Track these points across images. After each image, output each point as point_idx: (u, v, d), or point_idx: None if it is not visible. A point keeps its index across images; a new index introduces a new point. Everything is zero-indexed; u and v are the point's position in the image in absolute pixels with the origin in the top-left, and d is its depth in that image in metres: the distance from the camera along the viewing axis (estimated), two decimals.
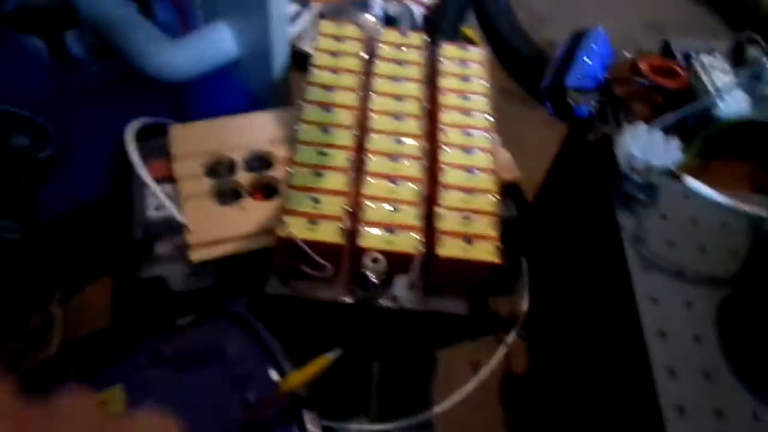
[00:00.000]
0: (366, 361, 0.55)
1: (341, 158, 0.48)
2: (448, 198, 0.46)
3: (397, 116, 0.51)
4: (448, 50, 0.58)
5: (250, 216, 0.49)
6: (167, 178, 0.52)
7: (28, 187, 0.58)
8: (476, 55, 0.58)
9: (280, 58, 0.64)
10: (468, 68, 0.56)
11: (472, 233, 0.44)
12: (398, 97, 0.52)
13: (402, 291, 0.42)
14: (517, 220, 0.54)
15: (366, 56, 0.55)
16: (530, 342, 0.62)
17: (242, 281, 0.48)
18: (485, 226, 0.45)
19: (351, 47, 0.56)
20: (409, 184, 0.47)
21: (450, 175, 0.48)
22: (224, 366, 0.42)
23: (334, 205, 0.45)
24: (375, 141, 0.49)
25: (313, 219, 0.44)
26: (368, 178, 0.47)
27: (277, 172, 0.52)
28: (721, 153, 0.50)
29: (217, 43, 0.69)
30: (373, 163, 0.48)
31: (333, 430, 0.52)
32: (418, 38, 0.58)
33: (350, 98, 0.52)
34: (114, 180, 0.56)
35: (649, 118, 0.51)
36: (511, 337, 0.62)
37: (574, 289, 0.56)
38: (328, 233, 0.43)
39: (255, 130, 0.55)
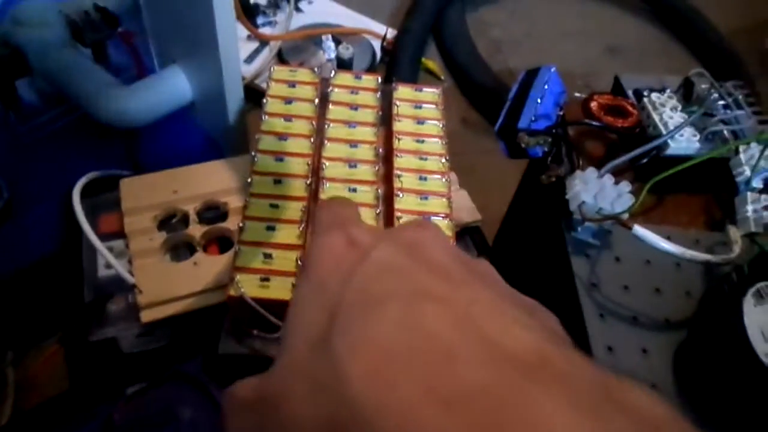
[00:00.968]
0: None
1: (294, 209, 0.47)
2: None
3: (351, 163, 0.50)
4: (403, 92, 0.57)
5: (203, 271, 0.48)
6: (120, 233, 0.51)
7: None
8: (431, 95, 0.58)
9: (234, 98, 0.64)
10: (423, 110, 0.56)
11: None
12: (352, 143, 0.52)
13: None
14: None
15: (318, 101, 0.55)
16: None
17: (196, 340, 0.47)
18: None
19: (304, 92, 0.55)
20: None
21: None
22: (178, 431, 0.40)
23: (287, 260, 0.44)
24: (329, 189, 0.48)
25: (265, 275, 0.43)
26: None
27: (232, 224, 0.51)
28: (675, 188, 0.51)
29: (172, 87, 0.68)
30: None
31: None
32: (372, 80, 0.58)
33: (303, 146, 0.51)
34: (65, 235, 0.54)
35: (602, 157, 0.51)
36: None
37: None
38: (281, 290, 0.42)
39: (208, 180, 0.54)
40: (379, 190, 0.49)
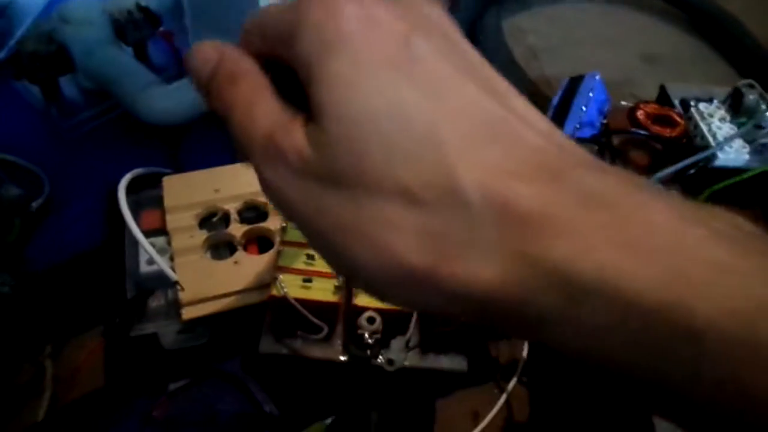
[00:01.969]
0: (363, 416, 0.54)
1: None
2: None
3: None
4: None
5: (244, 270, 0.48)
6: (160, 230, 0.51)
7: (19, 238, 0.57)
8: None
9: None
10: None
11: None
12: None
13: (399, 354, 0.41)
14: None
15: None
16: (531, 388, 0.61)
17: (236, 338, 0.47)
18: None
19: None
20: None
21: None
22: (218, 429, 0.41)
23: None
24: None
25: (307, 276, 0.43)
26: None
27: (272, 224, 0.51)
28: (723, 201, 0.50)
29: None
30: None
31: None
32: None
33: None
34: (107, 229, 0.55)
35: (647, 166, 0.51)
36: (512, 384, 0.60)
37: None
38: (323, 292, 0.42)
39: (249, 180, 0.53)
40: None
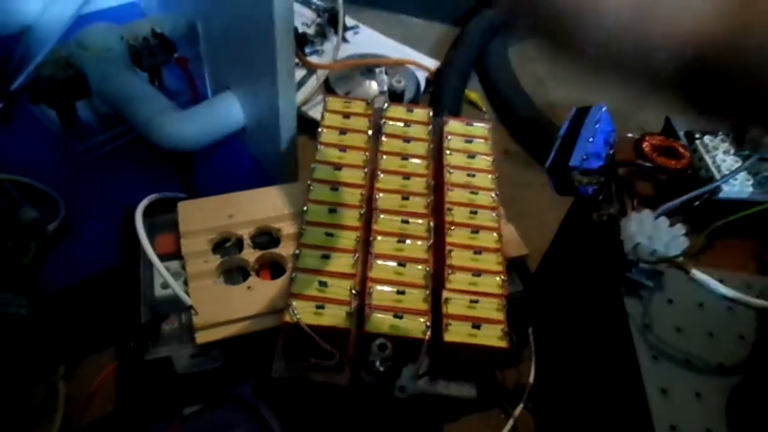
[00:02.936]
0: None
1: (348, 239, 0.48)
2: (455, 280, 0.47)
3: (403, 195, 0.51)
4: (454, 126, 0.59)
5: (256, 296, 0.49)
6: (174, 254, 0.52)
7: (35, 261, 0.58)
8: (481, 130, 0.58)
9: (287, 126, 0.65)
10: (473, 144, 0.57)
11: (479, 317, 0.45)
12: (405, 175, 0.53)
13: (410, 381, 0.41)
14: (524, 296, 0.54)
15: (372, 132, 0.56)
16: (538, 415, 0.62)
17: (249, 362, 0.48)
18: (493, 310, 0.45)
19: (358, 123, 0.57)
20: (416, 266, 0.47)
21: (457, 257, 0.48)
22: None
23: (341, 289, 0.45)
24: (382, 221, 0.49)
25: (320, 303, 0.44)
26: (375, 260, 0.47)
27: (284, 250, 0.52)
28: (727, 231, 0.51)
29: (226, 112, 0.70)
30: (380, 243, 0.48)
31: None
32: (423, 114, 0.59)
33: (357, 176, 0.53)
34: (122, 252, 0.56)
35: (653, 197, 0.51)
36: (519, 410, 0.61)
37: (581, 363, 0.56)
38: (335, 318, 0.43)
39: (262, 206, 0.55)
40: (431, 223, 0.50)
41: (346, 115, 0.57)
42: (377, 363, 0.42)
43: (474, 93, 0.96)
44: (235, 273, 0.52)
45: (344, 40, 0.96)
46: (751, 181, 0.50)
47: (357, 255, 0.47)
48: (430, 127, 0.58)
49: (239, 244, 0.53)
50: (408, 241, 0.48)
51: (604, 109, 0.56)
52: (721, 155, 0.51)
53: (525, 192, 0.83)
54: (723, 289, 0.40)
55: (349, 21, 1.00)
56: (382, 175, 0.53)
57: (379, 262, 0.47)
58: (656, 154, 0.51)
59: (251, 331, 0.47)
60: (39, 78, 0.68)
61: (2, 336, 0.54)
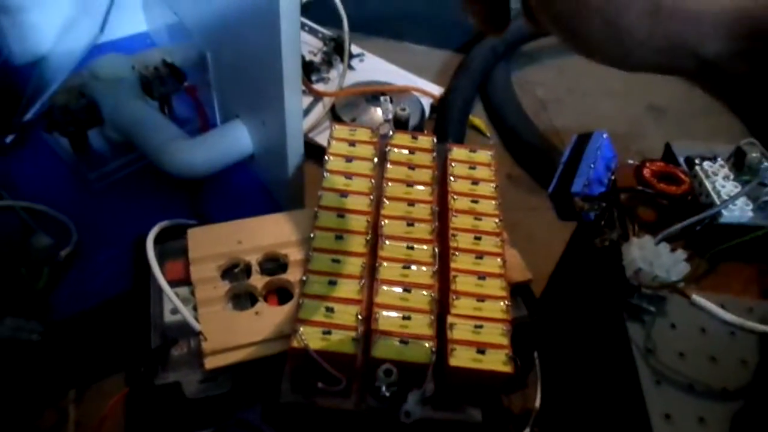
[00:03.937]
0: None
1: (354, 265, 0.49)
2: (460, 305, 0.47)
3: (408, 221, 0.52)
4: (458, 153, 0.60)
5: (265, 321, 0.50)
6: (183, 280, 0.53)
7: (47, 286, 0.60)
8: (485, 157, 0.60)
9: (294, 153, 0.67)
10: (477, 171, 0.58)
11: (484, 342, 0.45)
12: (410, 202, 0.54)
13: (416, 406, 0.42)
14: (528, 320, 0.54)
15: (377, 159, 0.57)
16: None
17: (257, 388, 0.48)
18: (497, 335, 0.46)
19: (364, 151, 0.58)
20: (422, 291, 0.48)
21: (461, 282, 0.49)
22: None
23: (347, 315, 0.46)
24: (388, 247, 0.50)
25: (327, 329, 0.45)
26: (381, 286, 0.48)
27: (292, 276, 0.53)
28: (728, 256, 0.51)
29: (234, 140, 0.71)
30: (386, 269, 0.49)
31: None
32: (428, 141, 0.60)
33: (363, 203, 0.54)
34: (132, 278, 0.57)
35: (654, 223, 0.52)
36: None
37: (586, 388, 0.56)
38: (342, 343, 0.44)
39: (270, 232, 0.56)
40: (435, 249, 0.51)
41: (352, 143, 0.59)
42: (383, 388, 0.42)
43: (478, 119, 0.97)
44: (243, 299, 0.53)
45: (350, 67, 0.98)
46: (751, 206, 0.51)
47: (363, 281, 0.48)
48: (434, 154, 0.59)
49: (247, 270, 0.54)
50: (413, 267, 0.49)
51: (605, 135, 0.57)
52: (721, 180, 0.52)
53: (529, 217, 0.84)
54: (724, 315, 0.40)
55: (355, 49, 1.03)
56: (387, 202, 0.54)
57: (385, 287, 0.48)
58: (657, 179, 0.52)
59: (259, 356, 0.48)
60: (53, 107, 0.70)
61: (14, 361, 0.55)
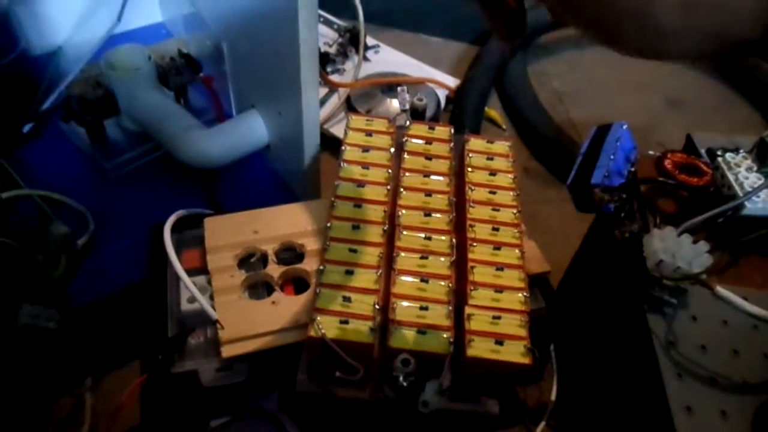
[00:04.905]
0: None
1: (371, 255, 0.49)
2: (478, 296, 0.47)
3: (426, 211, 0.52)
4: (475, 144, 0.59)
5: (281, 310, 0.50)
6: (200, 269, 0.53)
7: (65, 275, 0.60)
8: (502, 148, 0.59)
9: (311, 143, 0.66)
10: (494, 162, 0.57)
11: (501, 333, 0.45)
12: (427, 192, 0.54)
13: (433, 396, 0.42)
14: (546, 312, 0.54)
15: (394, 150, 0.57)
16: None
17: (273, 376, 0.48)
18: (515, 326, 0.45)
19: (381, 141, 0.58)
20: (439, 281, 0.47)
21: (479, 273, 0.48)
22: None
23: (365, 304, 0.45)
24: (405, 237, 0.50)
25: (344, 318, 0.44)
26: (398, 276, 0.47)
27: (308, 265, 0.53)
28: (750, 249, 0.50)
29: (250, 130, 0.71)
30: (403, 260, 0.48)
31: None
32: (445, 131, 0.60)
33: (380, 193, 0.53)
34: (149, 267, 0.57)
35: (675, 215, 0.52)
36: (541, 428, 0.61)
37: (604, 381, 0.55)
38: (359, 333, 0.44)
39: (287, 222, 0.56)
40: (453, 239, 0.50)
41: (369, 133, 0.58)
42: (400, 378, 0.42)
43: (494, 111, 0.96)
44: (260, 288, 0.53)
45: (365, 59, 0.97)
46: None
47: (380, 271, 0.48)
48: (452, 144, 0.59)
49: (264, 259, 0.54)
50: (430, 258, 0.49)
51: (625, 126, 0.56)
52: (743, 172, 0.51)
53: (546, 209, 0.83)
54: (748, 307, 0.40)
55: (370, 40, 1.02)
56: (404, 192, 0.53)
57: (402, 278, 0.47)
58: (678, 171, 0.52)
59: (276, 345, 0.48)
60: (69, 97, 0.70)
61: (31, 348, 0.55)
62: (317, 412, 0.46)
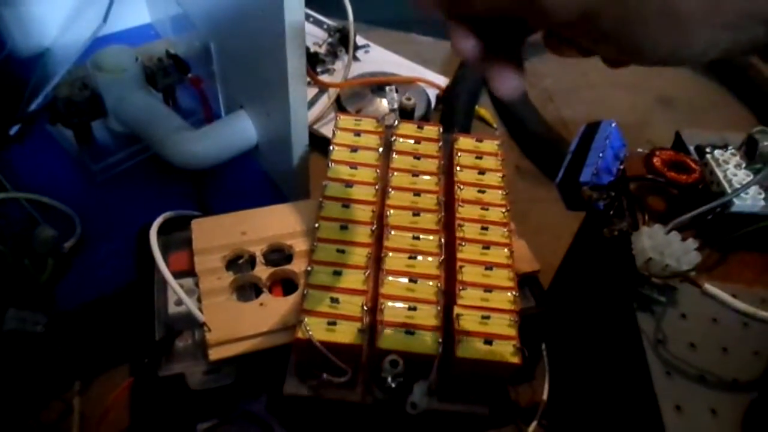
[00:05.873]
0: None
1: (360, 255, 0.48)
2: (467, 296, 0.47)
3: (414, 211, 0.52)
4: (464, 143, 0.59)
5: (269, 312, 0.49)
6: (187, 271, 0.53)
7: (51, 278, 0.59)
8: (491, 147, 0.59)
9: (299, 144, 0.66)
10: (483, 161, 0.57)
11: (491, 333, 0.44)
12: (415, 192, 0.53)
13: (422, 397, 0.41)
14: (536, 311, 0.54)
15: (382, 149, 0.57)
16: None
17: (261, 379, 0.48)
18: (505, 326, 0.45)
19: (369, 141, 0.57)
20: (428, 282, 0.47)
21: (468, 273, 0.48)
22: None
23: (352, 305, 0.45)
24: (393, 237, 0.50)
25: (332, 319, 0.44)
26: (387, 276, 0.47)
27: (296, 267, 0.53)
28: (739, 245, 0.50)
29: (239, 131, 0.71)
30: (392, 260, 0.48)
31: None
32: (434, 130, 0.59)
33: (368, 193, 0.53)
34: (136, 269, 0.57)
35: (664, 212, 0.51)
36: (532, 428, 0.61)
37: (595, 380, 0.55)
38: (347, 334, 0.43)
39: (275, 223, 0.56)
40: (442, 239, 0.50)
41: (357, 133, 0.58)
42: (389, 379, 0.42)
43: (484, 109, 0.96)
44: (248, 290, 0.53)
45: (355, 58, 0.97)
46: (763, 195, 0.50)
47: (368, 271, 0.47)
48: (441, 143, 0.58)
49: (252, 261, 0.54)
50: (419, 258, 0.49)
51: (613, 124, 0.56)
52: (732, 169, 0.51)
53: (536, 207, 0.83)
54: (737, 304, 0.40)
55: (360, 40, 1.02)
56: (392, 192, 0.53)
57: (391, 278, 0.47)
58: (667, 168, 0.52)
59: (264, 347, 0.48)
60: (56, 99, 0.70)
61: (18, 353, 0.55)
62: (306, 415, 0.46)
